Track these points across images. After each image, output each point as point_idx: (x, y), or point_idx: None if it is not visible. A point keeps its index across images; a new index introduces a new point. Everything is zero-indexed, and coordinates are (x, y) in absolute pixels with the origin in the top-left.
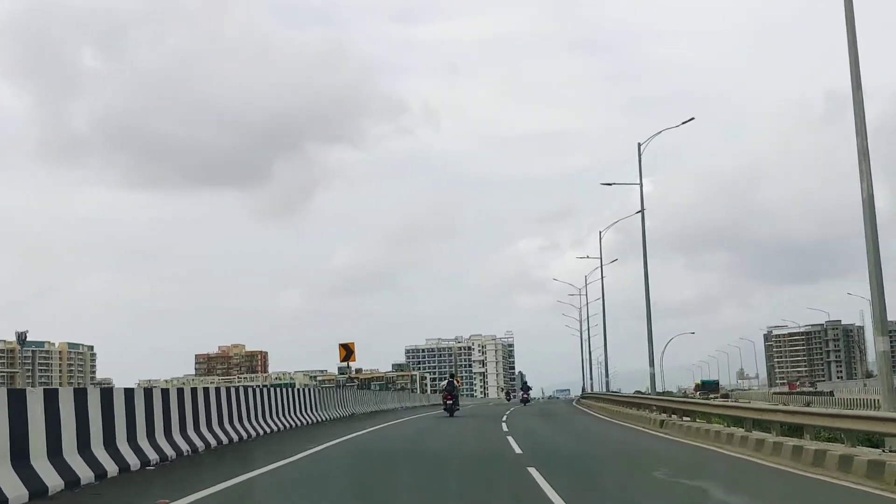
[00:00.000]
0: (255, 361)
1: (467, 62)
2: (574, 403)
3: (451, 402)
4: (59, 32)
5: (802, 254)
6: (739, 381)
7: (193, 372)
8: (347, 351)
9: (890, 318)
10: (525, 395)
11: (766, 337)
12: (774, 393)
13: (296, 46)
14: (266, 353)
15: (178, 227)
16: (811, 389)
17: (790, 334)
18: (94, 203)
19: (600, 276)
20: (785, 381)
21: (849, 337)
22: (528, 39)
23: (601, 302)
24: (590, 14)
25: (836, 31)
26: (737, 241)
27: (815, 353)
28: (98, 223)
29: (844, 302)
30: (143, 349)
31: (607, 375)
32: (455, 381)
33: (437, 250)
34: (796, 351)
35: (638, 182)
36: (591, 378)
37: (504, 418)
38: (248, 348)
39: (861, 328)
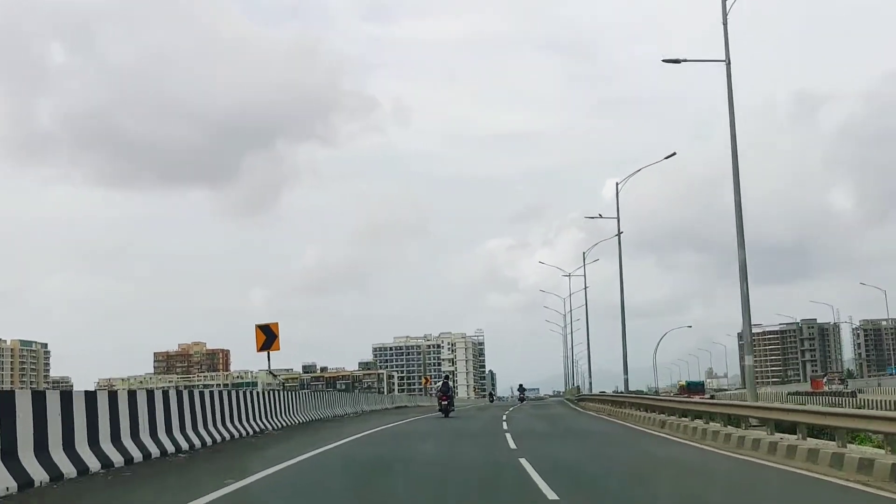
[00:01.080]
0: (216, 360)
1: (439, 61)
2: (575, 406)
3: (445, 402)
4: (27, 27)
5: (772, 254)
6: (708, 380)
7: (152, 370)
8: (268, 334)
9: (864, 316)
10: (522, 395)
11: (740, 336)
12: (790, 393)
13: (267, 43)
14: (228, 351)
15: (145, 226)
16: (842, 388)
17: (764, 333)
18: (60, 201)
19: (617, 237)
20: (757, 381)
21: (824, 336)
22: (499, 39)
23: (618, 272)
24: (559, 14)
25: (804, 32)
26: (705, 241)
27: (790, 352)
28: (64, 222)
29: (814, 301)
30: (104, 348)
31: (626, 372)
32: (449, 383)
33: (407, 249)
34: (771, 350)
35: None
36: (591, 375)
37: (516, 448)
38: (210, 346)
39: (837, 326)
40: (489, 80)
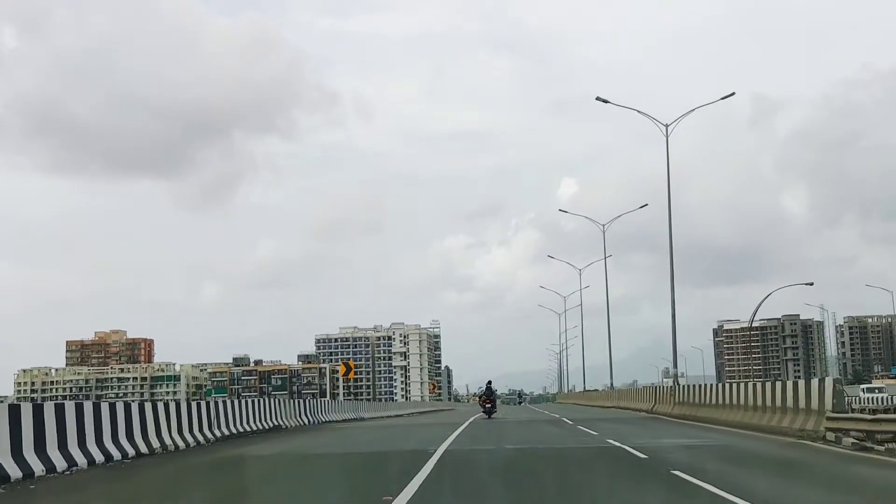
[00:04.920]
0: (136, 350)
1: (397, 58)
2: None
3: (489, 405)
4: None
5: (723, 257)
6: (665, 380)
7: (64, 362)
8: None
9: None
10: (519, 400)
11: (716, 332)
12: None
13: (225, 33)
14: (151, 340)
15: (92, 215)
16: None
17: (742, 329)
18: (5, 189)
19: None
20: (735, 380)
21: (807, 333)
22: (457, 38)
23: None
24: (515, 15)
25: (762, 37)
26: (658, 243)
27: (771, 350)
28: (8, 209)
29: (776, 301)
30: (32, 338)
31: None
32: (492, 387)
33: (362, 246)
34: (750, 348)
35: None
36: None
37: None
38: (131, 335)
39: (821, 323)
40: (446, 77)
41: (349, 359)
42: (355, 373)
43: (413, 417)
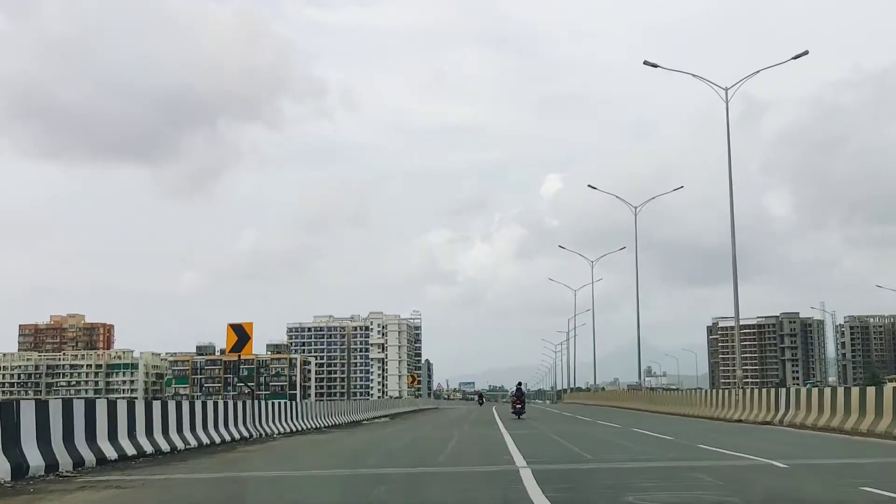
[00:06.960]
0: (95, 336)
1: (387, 52)
2: None
3: (519, 406)
4: None
5: (711, 257)
6: (647, 378)
7: (16, 347)
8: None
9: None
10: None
11: (711, 330)
12: None
13: (213, 20)
14: (111, 326)
15: (73, 201)
16: None
17: (744, 326)
18: None
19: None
20: (731, 381)
21: (806, 332)
22: (446, 33)
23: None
24: (505, 11)
25: (749, 36)
26: (643, 242)
27: (768, 349)
28: None
29: (759, 303)
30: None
31: None
32: (523, 388)
33: (346, 239)
34: (745, 347)
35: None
36: None
37: None
38: (89, 319)
39: (821, 322)
40: (434, 71)
41: (323, 349)
42: (331, 365)
43: (370, 434)
